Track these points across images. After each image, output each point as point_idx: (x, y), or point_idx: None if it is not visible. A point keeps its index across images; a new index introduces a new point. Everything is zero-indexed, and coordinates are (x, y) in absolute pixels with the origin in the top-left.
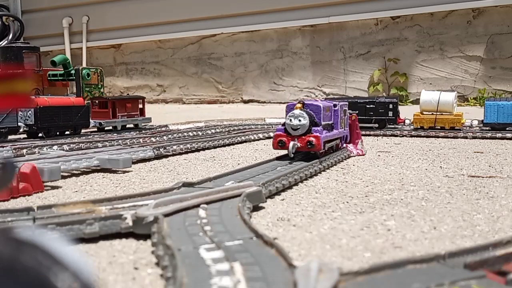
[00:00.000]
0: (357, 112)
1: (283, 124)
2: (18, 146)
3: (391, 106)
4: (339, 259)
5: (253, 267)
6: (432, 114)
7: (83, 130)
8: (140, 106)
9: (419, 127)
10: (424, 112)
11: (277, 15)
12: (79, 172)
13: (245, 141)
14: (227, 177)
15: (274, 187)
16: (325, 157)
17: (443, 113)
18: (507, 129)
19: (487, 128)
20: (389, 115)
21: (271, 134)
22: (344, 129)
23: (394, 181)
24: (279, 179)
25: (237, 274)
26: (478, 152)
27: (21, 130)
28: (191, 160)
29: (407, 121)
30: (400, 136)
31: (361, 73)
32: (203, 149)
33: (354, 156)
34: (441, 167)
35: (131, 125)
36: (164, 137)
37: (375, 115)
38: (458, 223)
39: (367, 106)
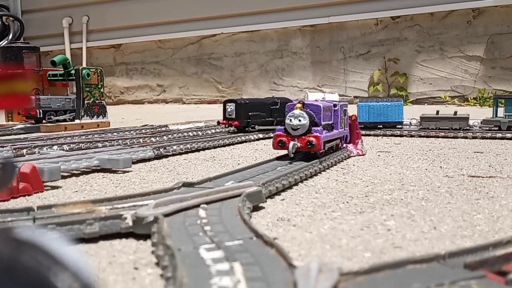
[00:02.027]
0: (264, 113)
1: (283, 124)
2: (18, 146)
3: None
4: (339, 259)
5: (253, 267)
6: None
7: None
8: None
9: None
10: None
11: (277, 15)
12: (79, 172)
13: (245, 141)
14: (227, 177)
15: (274, 187)
16: (325, 157)
17: None
18: (378, 126)
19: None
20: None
21: (271, 134)
22: (344, 129)
23: (394, 181)
24: (279, 179)
25: (237, 274)
26: (478, 152)
27: None
28: (191, 160)
29: None
30: (400, 136)
31: (361, 73)
32: (203, 149)
33: (354, 156)
34: (441, 167)
35: None
36: (164, 137)
37: (280, 116)
38: (458, 223)
39: (272, 107)
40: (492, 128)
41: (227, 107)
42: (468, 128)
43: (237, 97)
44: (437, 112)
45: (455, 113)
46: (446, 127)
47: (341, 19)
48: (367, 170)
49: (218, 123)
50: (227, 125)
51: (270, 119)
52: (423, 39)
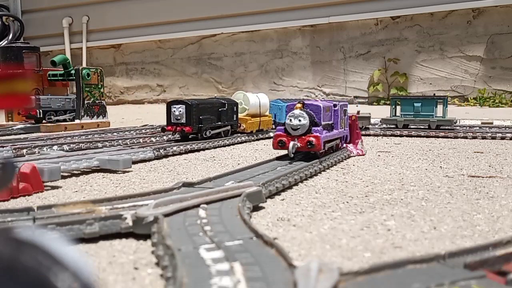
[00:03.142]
0: (213, 116)
1: (283, 124)
2: (18, 146)
3: (234, 108)
4: (339, 259)
5: (253, 267)
6: (252, 117)
7: None
8: None
9: (250, 131)
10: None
11: (277, 15)
12: (79, 172)
13: (245, 141)
14: (227, 177)
15: (274, 187)
16: (325, 157)
17: (262, 116)
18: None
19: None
20: (234, 119)
21: (271, 134)
22: (344, 129)
23: (394, 181)
24: (279, 179)
25: (237, 274)
26: (478, 152)
27: None
28: (191, 160)
29: (241, 127)
30: (400, 136)
31: (361, 73)
32: (203, 149)
33: (354, 156)
34: (441, 167)
35: None
36: (164, 137)
37: (228, 120)
38: (458, 223)
39: (220, 109)
40: (390, 126)
41: (173, 109)
42: (369, 126)
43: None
44: (358, 112)
45: (358, 112)
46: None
47: (341, 19)
48: (367, 170)
49: (163, 129)
50: (174, 132)
51: (219, 123)
52: (423, 39)
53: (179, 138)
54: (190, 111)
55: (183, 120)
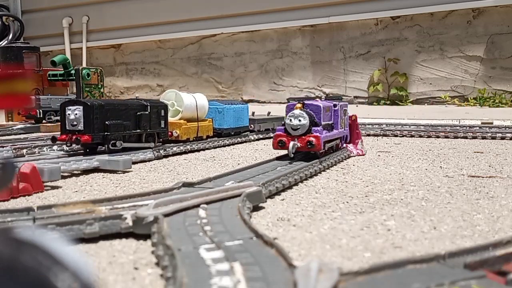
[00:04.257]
0: (128, 122)
1: (283, 124)
2: (18, 146)
3: (163, 112)
4: (339, 259)
5: (253, 267)
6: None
7: None
8: None
9: (186, 139)
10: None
11: (277, 15)
12: (79, 172)
13: (245, 141)
14: (227, 177)
15: (274, 187)
16: (325, 157)
17: (201, 120)
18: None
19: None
20: (162, 125)
21: (271, 134)
22: (344, 129)
23: (394, 181)
24: (279, 179)
25: (237, 274)
26: (478, 152)
27: None
28: (191, 160)
29: (174, 133)
30: (400, 136)
31: (361, 73)
32: (203, 149)
33: (354, 156)
34: (441, 167)
35: None
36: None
37: (152, 127)
38: (458, 223)
39: (139, 113)
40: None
41: (68, 112)
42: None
43: (237, 97)
44: (268, 113)
45: (268, 113)
46: (269, 127)
47: (341, 19)
48: (367, 170)
49: (54, 139)
50: (68, 142)
51: (137, 131)
52: (423, 39)
53: (83, 151)
54: (90, 115)
55: (81, 126)
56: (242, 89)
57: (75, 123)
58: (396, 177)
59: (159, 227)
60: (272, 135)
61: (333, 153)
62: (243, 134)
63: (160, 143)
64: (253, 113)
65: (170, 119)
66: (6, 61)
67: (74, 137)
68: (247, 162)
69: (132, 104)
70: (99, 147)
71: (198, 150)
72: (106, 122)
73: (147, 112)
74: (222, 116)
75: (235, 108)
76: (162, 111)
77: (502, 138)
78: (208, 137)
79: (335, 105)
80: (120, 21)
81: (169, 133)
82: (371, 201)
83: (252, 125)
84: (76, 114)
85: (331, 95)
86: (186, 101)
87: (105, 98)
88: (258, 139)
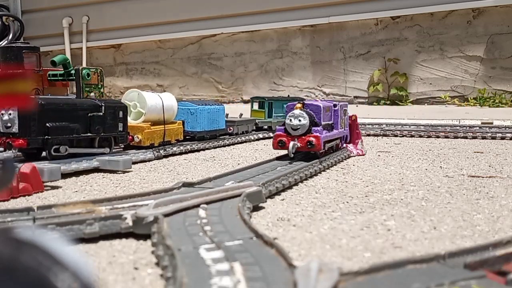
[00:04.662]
0: (76, 124)
1: (283, 124)
2: None
3: (121, 114)
4: (339, 259)
5: (253, 267)
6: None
7: None
8: None
9: (149, 144)
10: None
11: (277, 15)
12: (79, 172)
13: (245, 141)
14: (227, 177)
15: (274, 187)
16: (325, 157)
17: (168, 123)
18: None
19: None
20: (119, 129)
21: (271, 134)
22: (344, 129)
23: (394, 181)
24: (279, 179)
25: (237, 274)
26: (478, 152)
27: None
28: (191, 160)
29: (136, 138)
30: (400, 136)
31: (361, 73)
32: (203, 149)
33: (354, 156)
34: (441, 167)
35: None
36: None
37: (106, 130)
38: (458, 223)
39: (91, 114)
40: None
41: (1, 112)
42: (254, 129)
43: (237, 97)
44: (241, 115)
45: (241, 115)
46: (244, 130)
47: (341, 19)
48: (367, 170)
49: None
50: (2, 147)
51: (87, 134)
52: (423, 39)
53: (23, 157)
54: (26, 115)
55: (15, 129)
56: (242, 89)
57: (9, 124)
58: (396, 177)
59: (159, 227)
60: (251, 137)
61: (333, 153)
62: (221, 137)
63: (121, 149)
64: (227, 115)
65: (132, 122)
66: (6, 61)
67: (7, 140)
68: (247, 162)
69: (82, 104)
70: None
71: (198, 150)
72: (47, 124)
73: (101, 114)
74: (195, 118)
75: (209, 109)
76: (120, 113)
77: (502, 138)
78: (178, 141)
79: (335, 105)
80: (120, 21)
81: (130, 138)
82: (371, 201)
83: (231, 128)
84: (10, 114)
85: (290, 96)
86: (149, 101)
87: (105, 98)
88: (258, 139)
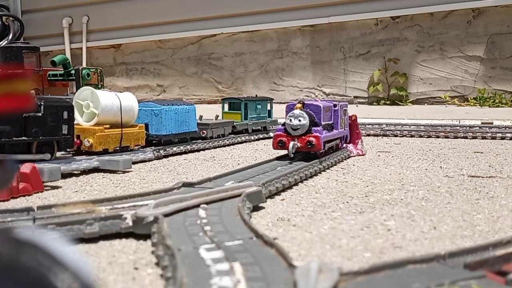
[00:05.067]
0: (9, 127)
1: (283, 124)
2: None
3: (65, 114)
4: (339, 259)
5: (253, 267)
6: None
7: None
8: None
9: (103, 150)
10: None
11: (277, 15)
12: (79, 172)
13: (245, 141)
14: (227, 177)
15: (274, 187)
16: (325, 157)
17: (127, 126)
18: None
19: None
20: (64, 131)
21: (271, 134)
22: (344, 129)
23: (394, 181)
24: (279, 179)
25: (237, 274)
26: (478, 152)
27: None
28: (191, 160)
29: (86, 142)
30: (400, 136)
31: (361, 73)
32: (203, 149)
33: (354, 156)
34: (441, 167)
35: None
36: None
37: (46, 133)
38: (458, 223)
39: (27, 115)
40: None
41: None
42: (232, 131)
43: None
44: (216, 117)
45: (216, 117)
46: (220, 134)
47: (341, 19)
48: (367, 170)
49: None
50: None
51: (21, 138)
52: (423, 39)
53: None
54: None
55: None
56: (242, 89)
57: None
58: (396, 177)
59: (159, 227)
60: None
61: (333, 153)
62: (192, 141)
63: (70, 154)
64: (200, 116)
65: (84, 124)
66: (6, 61)
67: None
68: (247, 162)
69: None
70: None
71: (198, 150)
72: None
73: (39, 114)
74: (160, 119)
75: (177, 109)
76: (65, 113)
77: (502, 138)
78: (142, 147)
79: (335, 105)
80: (120, 21)
81: (77, 142)
82: (371, 201)
83: (204, 131)
84: None
85: (256, 95)
86: (104, 101)
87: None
88: (258, 139)
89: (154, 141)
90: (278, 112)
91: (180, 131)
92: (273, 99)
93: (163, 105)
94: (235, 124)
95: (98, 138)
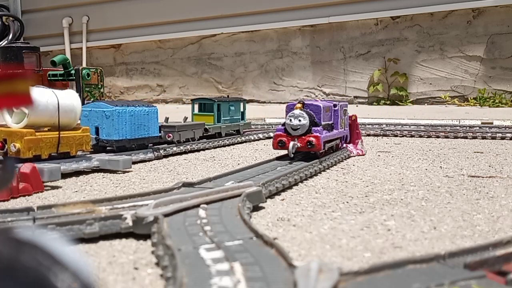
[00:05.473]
0: None
1: (283, 124)
2: None
3: None
4: (339, 259)
5: (253, 267)
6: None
7: None
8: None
9: (32, 156)
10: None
11: (277, 15)
12: (79, 172)
13: (245, 141)
14: (227, 177)
15: (274, 187)
16: (325, 157)
17: (67, 129)
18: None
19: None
20: None
21: (271, 134)
22: (344, 129)
23: (394, 181)
24: (279, 179)
25: (237, 274)
26: (478, 152)
27: None
28: (191, 160)
29: (12, 147)
30: (400, 136)
31: (361, 73)
32: (203, 149)
33: (354, 156)
34: (441, 167)
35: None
36: None
37: None
38: (458, 223)
39: None
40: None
41: None
42: (204, 135)
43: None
44: (185, 119)
45: (185, 119)
46: (189, 137)
47: (341, 19)
48: (367, 170)
49: None
50: None
51: None
52: (423, 39)
53: None
54: None
55: None
56: (242, 89)
57: None
58: (396, 177)
59: (159, 227)
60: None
61: (333, 153)
62: (155, 147)
63: None
64: (166, 118)
65: (13, 126)
66: (6, 61)
67: None
68: (247, 162)
69: None
70: None
71: (198, 150)
72: None
73: None
74: (111, 122)
75: (133, 111)
76: None
77: (502, 138)
78: (91, 152)
79: (335, 105)
80: (120, 21)
81: None
82: (371, 201)
83: (170, 135)
84: None
85: (228, 95)
86: (35, 99)
87: (105, 99)
88: (258, 139)
89: (107, 147)
90: (278, 112)
91: (137, 135)
92: (246, 100)
93: (116, 105)
94: (207, 127)
95: (27, 142)
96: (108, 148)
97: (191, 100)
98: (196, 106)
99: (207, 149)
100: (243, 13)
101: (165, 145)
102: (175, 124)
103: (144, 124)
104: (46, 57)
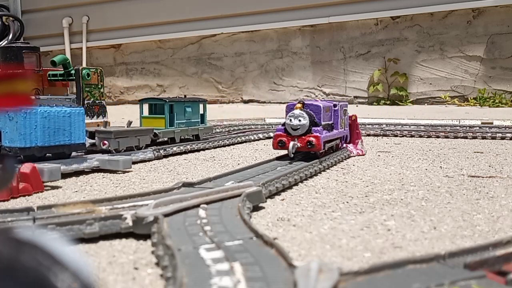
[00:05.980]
0: None
1: (283, 124)
2: None
3: None
4: (339, 259)
5: (253, 267)
6: None
7: None
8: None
9: None
10: None
11: (277, 15)
12: (79, 172)
13: (245, 141)
14: (227, 177)
15: (274, 187)
16: (325, 157)
17: None
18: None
19: None
20: None
21: (271, 134)
22: (344, 129)
23: (394, 181)
24: (279, 179)
25: (237, 274)
26: (478, 152)
27: None
28: (191, 160)
29: None
30: (400, 136)
31: (361, 73)
32: (203, 149)
33: (354, 156)
34: (441, 167)
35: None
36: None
37: None
38: (458, 223)
39: None
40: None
41: None
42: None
43: (237, 97)
44: (129, 123)
45: (129, 123)
46: (131, 145)
47: (341, 19)
48: (367, 170)
49: None
50: None
51: None
52: (423, 39)
53: None
54: None
55: None
56: (242, 89)
57: None
58: (396, 177)
59: (159, 227)
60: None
61: (333, 153)
62: (79, 157)
63: None
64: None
65: None
66: (6, 61)
67: None
68: (247, 162)
69: None
70: None
71: (198, 150)
72: None
73: None
74: (15, 125)
75: (47, 113)
76: None
77: (502, 138)
78: None
79: (335, 105)
80: (120, 21)
81: None
82: (371, 201)
83: (106, 142)
84: None
85: (185, 95)
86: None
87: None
88: (258, 139)
89: (18, 155)
90: (278, 112)
91: (54, 143)
92: (206, 100)
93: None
94: (156, 132)
95: None
96: (17, 156)
97: (139, 100)
98: (146, 107)
99: (207, 149)
100: (243, 13)
101: (165, 145)
102: (112, 129)
103: (64, 128)
104: (46, 57)
